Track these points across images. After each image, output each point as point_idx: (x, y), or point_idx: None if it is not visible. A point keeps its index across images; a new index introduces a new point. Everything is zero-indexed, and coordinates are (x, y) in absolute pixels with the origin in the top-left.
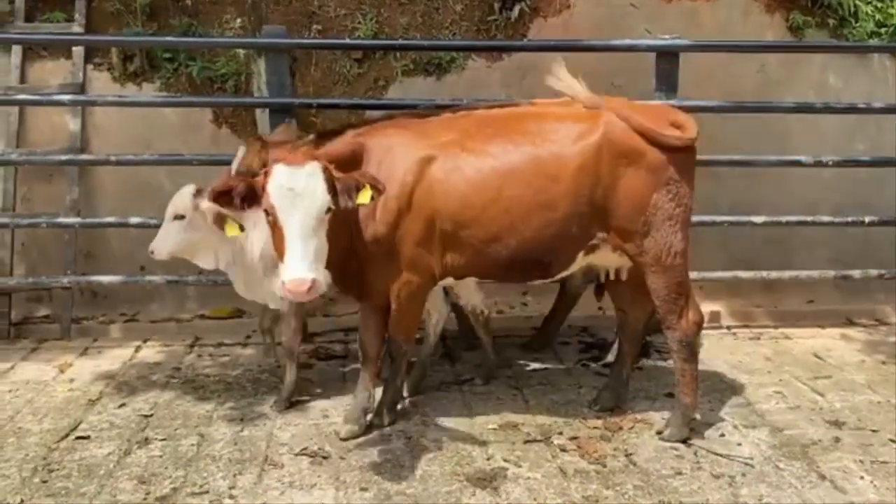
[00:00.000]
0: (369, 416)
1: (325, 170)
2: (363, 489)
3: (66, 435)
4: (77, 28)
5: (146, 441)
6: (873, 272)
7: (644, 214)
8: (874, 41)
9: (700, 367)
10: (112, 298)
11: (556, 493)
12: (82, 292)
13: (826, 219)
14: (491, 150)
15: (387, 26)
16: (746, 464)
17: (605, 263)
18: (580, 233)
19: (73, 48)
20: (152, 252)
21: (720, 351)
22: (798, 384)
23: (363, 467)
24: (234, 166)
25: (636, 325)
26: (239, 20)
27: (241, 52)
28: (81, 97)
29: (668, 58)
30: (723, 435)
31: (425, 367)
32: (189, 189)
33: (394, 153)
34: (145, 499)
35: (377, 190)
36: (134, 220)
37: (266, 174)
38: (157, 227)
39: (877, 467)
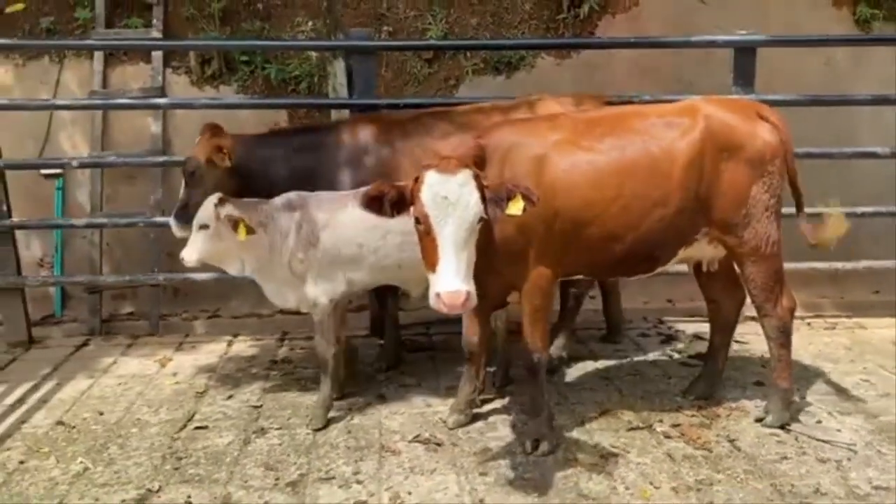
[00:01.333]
0: (474, 408)
1: (477, 177)
2: (482, 474)
3: (185, 425)
4: (155, 33)
5: (263, 430)
6: None
7: (745, 206)
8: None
9: None
10: (194, 295)
11: (668, 478)
12: (165, 290)
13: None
14: (605, 149)
15: (457, 27)
16: (850, 449)
17: (699, 256)
18: (687, 227)
19: (153, 53)
20: (182, 259)
21: (799, 341)
22: (883, 372)
23: (477, 454)
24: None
25: (728, 315)
26: (311, 23)
27: (314, 54)
28: (177, 100)
29: (745, 53)
30: (819, 421)
31: (509, 358)
32: (213, 199)
33: (514, 153)
34: (276, 484)
35: (530, 201)
36: None
37: (417, 180)
38: None
39: None
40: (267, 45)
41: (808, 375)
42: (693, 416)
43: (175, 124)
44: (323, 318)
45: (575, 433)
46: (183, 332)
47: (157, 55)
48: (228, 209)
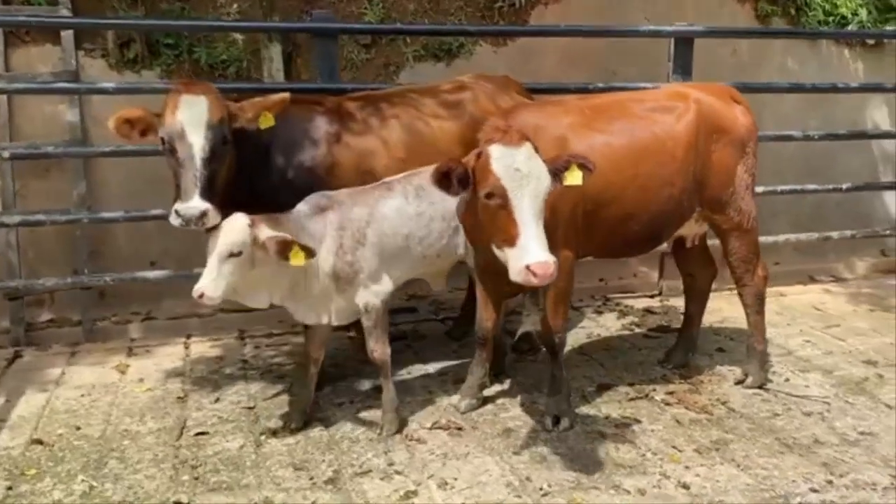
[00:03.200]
0: (485, 392)
1: (537, 150)
2: (516, 453)
3: (181, 432)
4: (64, 11)
5: (273, 432)
6: (848, 233)
7: (732, 185)
8: (824, 29)
9: (727, 324)
10: (121, 297)
11: (686, 441)
12: (90, 292)
13: (812, 187)
14: (617, 132)
15: (394, 12)
16: (824, 402)
17: (686, 233)
18: (687, 206)
19: (62, 33)
20: (201, 296)
21: (733, 309)
22: (818, 333)
23: (501, 435)
24: None
25: (703, 287)
26: (236, 4)
27: (240, 38)
28: (126, 85)
29: (684, 43)
30: (787, 380)
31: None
32: (242, 220)
33: (538, 135)
34: (313, 483)
35: (587, 169)
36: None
37: (479, 156)
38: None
39: None
40: (226, 27)
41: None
42: (680, 383)
43: (92, 112)
44: (377, 321)
45: (583, 408)
46: (118, 337)
47: (68, 36)
48: (267, 231)
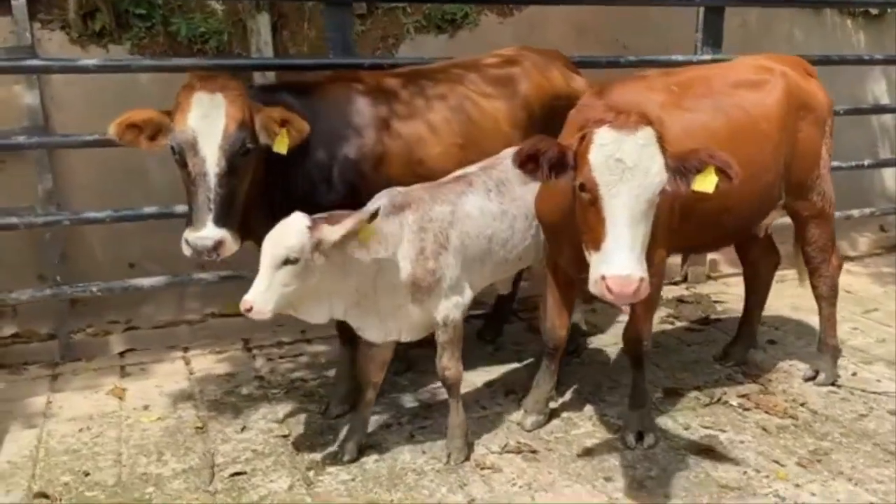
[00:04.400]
0: (552, 405)
1: (660, 139)
2: (608, 479)
3: (213, 473)
4: None
5: (321, 465)
6: (867, 210)
7: (817, 168)
8: None
9: (767, 312)
10: (94, 304)
11: (783, 453)
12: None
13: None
14: (709, 111)
15: None
16: None
17: (766, 222)
18: (777, 194)
19: (13, 2)
20: (249, 309)
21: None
22: (861, 318)
23: (583, 457)
24: None
25: (766, 277)
26: None
27: (220, 8)
28: (109, 62)
29: (714, 12)
30: (854, 374)
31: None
32: (301, 222)
33: None
34: None
35: (727, 176)
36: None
37: (583, 139)
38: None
39: None
40: None
41: (803, 329)
42: (749, 383)
43: (52, 94)
44: (455, 336)
45: (657, 418)
46: (101, 352)
47: (20, 5)
48: (329, 232)
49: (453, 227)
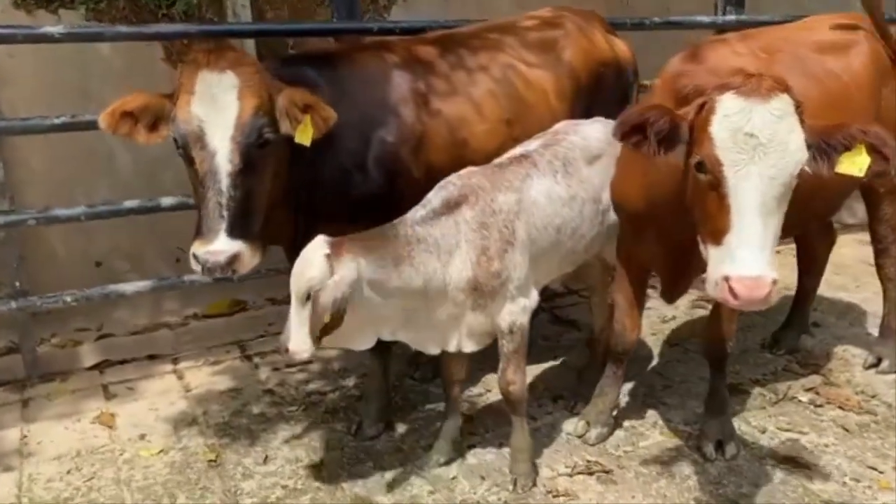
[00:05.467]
0: (614, 413)
1: (799, 109)
2: (698, 501)
3: None
4: None
5: (364, 500)
6: None
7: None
8: None
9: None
10: (59, 312)
11: (876, 456)
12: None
13: None
14: (801, 78)
15: None
16: None
17: None
18: None
19: None
20: (287, 350)
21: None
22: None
23: (663, 475)
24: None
25: (821, 257)
26: None
27: None
28: (79, 29)
29: None
30: None
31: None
32: (319, 251)
33: None
34: None
35: (882, 156)
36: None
37: (703, 107)
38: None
39: None
40: None
41: (841, 308)
42: (811, 374)
43: None
44: (521, 345)
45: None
46: (74, 367)
47: None
48: (348, 263)
49: (519, 218)
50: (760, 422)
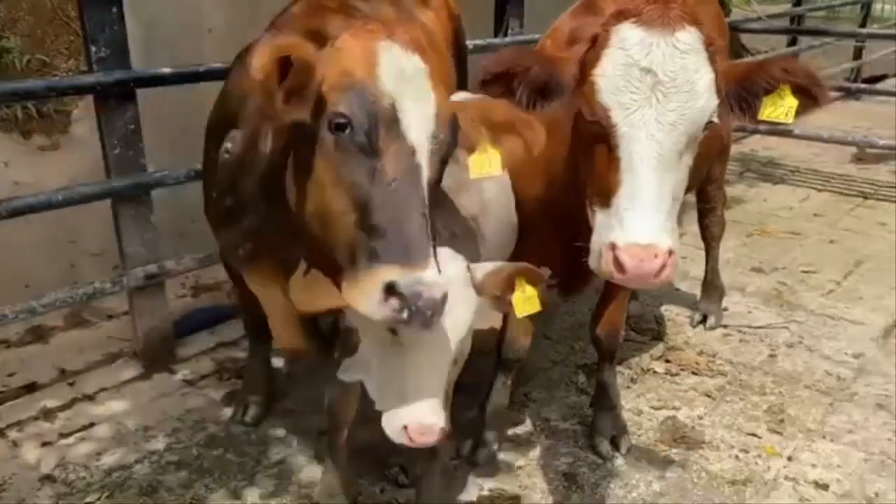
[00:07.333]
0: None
1: (710, 45)
2: None
3: None
4: None
5: None
6: None
7: None
8: None
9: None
10: None
11: (748, 421)
12: None
13: None
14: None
15: None
16: (786, 328)
17: None
18: None
19: None
20: (431, 426)
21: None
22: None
23: (570, 489)
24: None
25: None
26: None
27: None
28: None
29: None
30: (726, 309)
31: None
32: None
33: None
34: None
35: (811, 97)
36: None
37: (595, 41)
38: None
39: None
40: None
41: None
42: (650, 340)
43: None
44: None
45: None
46: None
47: None
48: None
49: None
50: (632, 403)
